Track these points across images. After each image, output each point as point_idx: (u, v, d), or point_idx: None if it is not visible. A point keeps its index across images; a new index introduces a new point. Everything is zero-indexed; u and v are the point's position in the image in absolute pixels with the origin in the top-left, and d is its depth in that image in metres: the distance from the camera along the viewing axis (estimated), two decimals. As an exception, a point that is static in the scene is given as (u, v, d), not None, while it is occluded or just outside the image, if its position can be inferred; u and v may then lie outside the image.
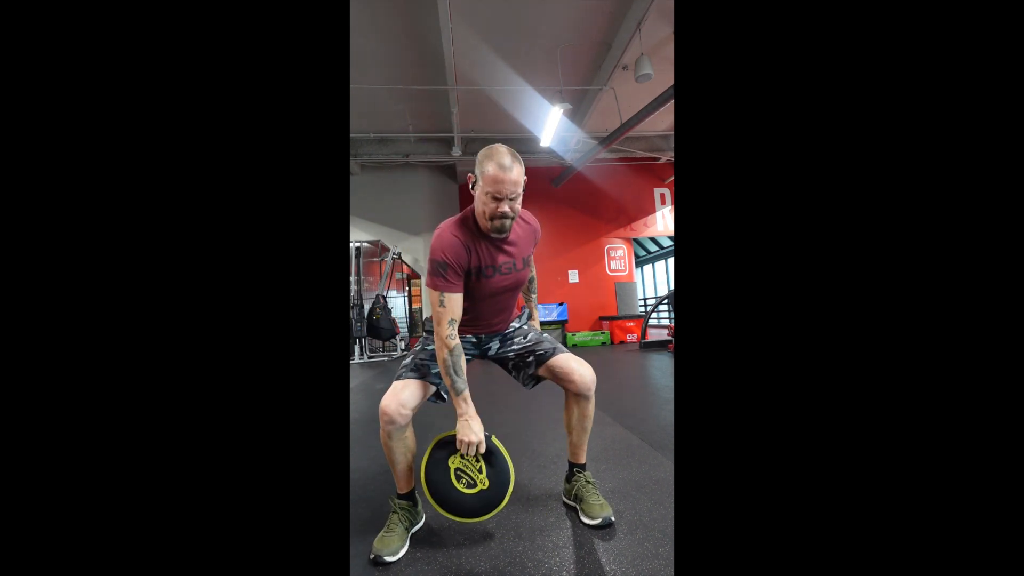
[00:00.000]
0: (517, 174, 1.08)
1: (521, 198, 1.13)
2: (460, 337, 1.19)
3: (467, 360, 1.28)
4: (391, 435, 1.14)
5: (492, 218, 1.11)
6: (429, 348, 1.24)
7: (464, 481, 1.12)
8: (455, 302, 1.13)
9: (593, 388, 1.25)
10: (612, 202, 7.85)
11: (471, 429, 1.10)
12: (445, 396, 1.25)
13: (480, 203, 1.12)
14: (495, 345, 1.33)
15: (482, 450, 1.11)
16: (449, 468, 1.13)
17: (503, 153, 1.09)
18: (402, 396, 1.14)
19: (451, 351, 1.12)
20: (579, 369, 1.23)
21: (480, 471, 1.13)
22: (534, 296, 1.50)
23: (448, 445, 1.14)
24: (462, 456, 1.13)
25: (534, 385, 1.32)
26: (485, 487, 1.12)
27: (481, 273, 1.18)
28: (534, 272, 1.45)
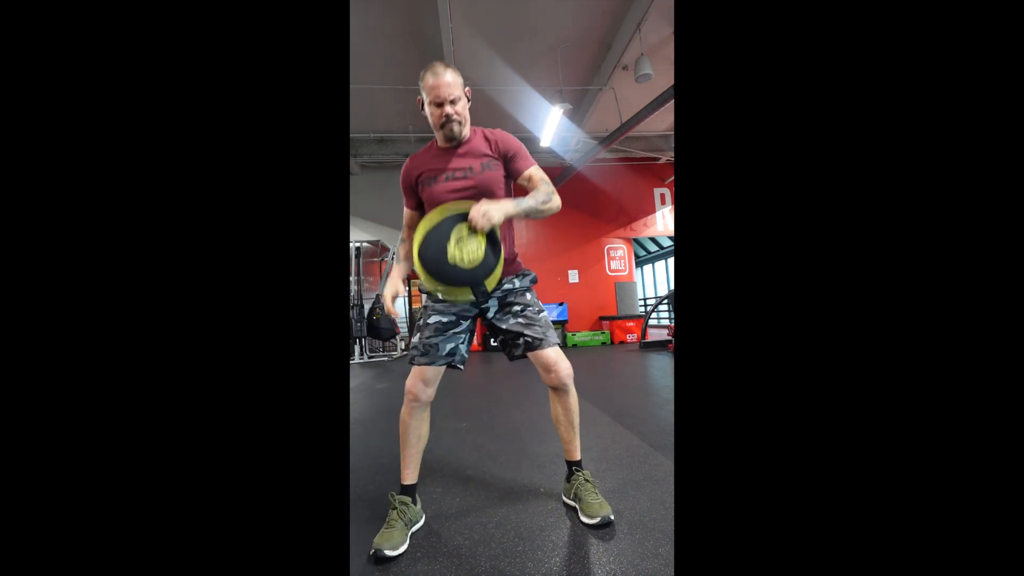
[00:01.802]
0: (451, 77, 1.17)
1: (465, 103, 1.20)
2: None
3: (467, 318, 1.30)
4: (412, 412, 1.23)
5: (441, 126, 1.19)
6: (431, 322, 1.26)
7: (461, 248, 1.09)
8: (408, 215, 1.36)
9: (569, 380, 1.26)
10: (612, 202, 7.84)
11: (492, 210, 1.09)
12: (460, 366, 1.31)
13: (429, 117, 1.20)
14: (493, 307, 1.30)
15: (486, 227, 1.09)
16: (451, 234, 1.10)
17: (436, 64, 1.18)
18: (425, 374, 1.23)
19: (402, 241, 1.34)
20: (559, 362, 1.25)
21: (480, 246, 1.10)
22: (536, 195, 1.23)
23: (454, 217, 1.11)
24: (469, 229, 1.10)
25: (517, 360, 1.32)
26: (477, 262, 1.09)
27: (432, 180, 1.24)
28: (532, 176, 1.25)
